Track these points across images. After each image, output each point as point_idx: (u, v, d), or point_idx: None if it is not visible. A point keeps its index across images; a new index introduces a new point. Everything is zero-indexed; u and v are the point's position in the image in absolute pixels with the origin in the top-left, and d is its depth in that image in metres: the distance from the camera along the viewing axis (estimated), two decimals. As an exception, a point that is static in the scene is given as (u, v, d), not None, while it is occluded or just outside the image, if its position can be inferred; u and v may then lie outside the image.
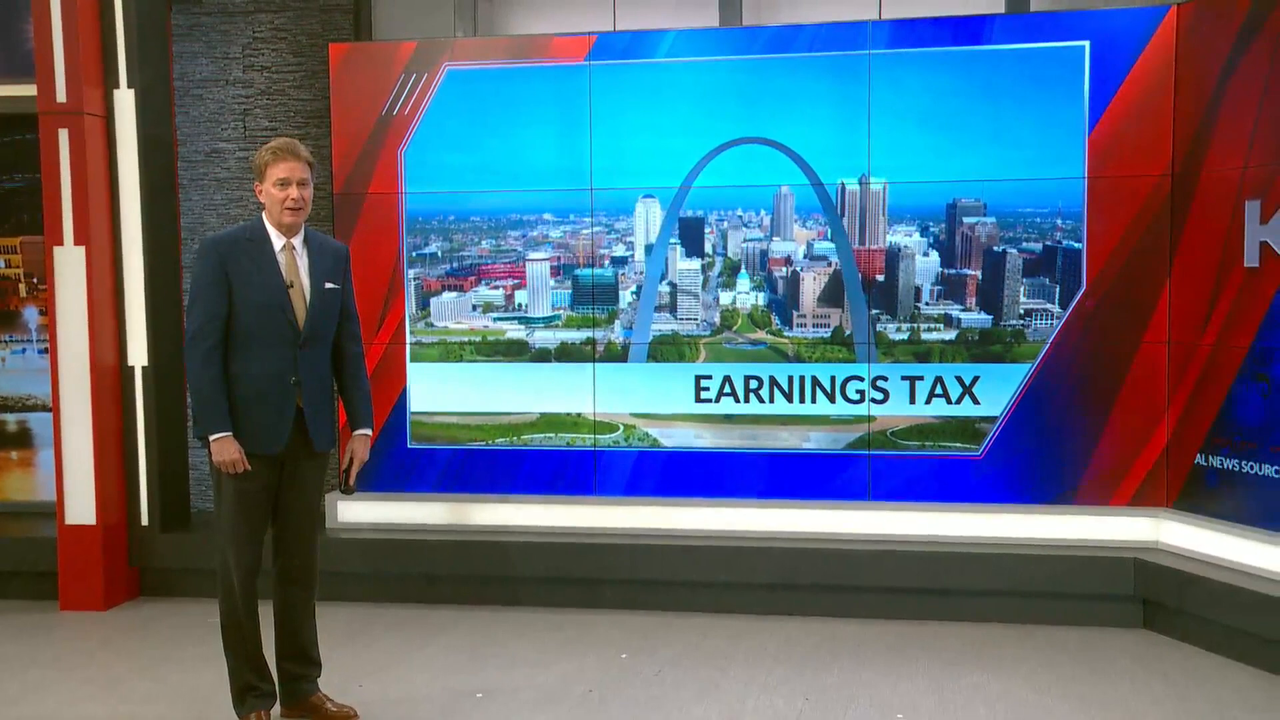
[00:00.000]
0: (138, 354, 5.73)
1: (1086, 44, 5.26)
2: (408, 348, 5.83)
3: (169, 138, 5.99)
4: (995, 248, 5.42)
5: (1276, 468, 4.78)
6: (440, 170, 5.76)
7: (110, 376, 5.68)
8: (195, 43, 6.24)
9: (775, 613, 5.42)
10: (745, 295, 5.66)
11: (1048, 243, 5.36)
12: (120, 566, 5.76)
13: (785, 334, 5.62)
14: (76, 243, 5.56)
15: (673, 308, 5.71)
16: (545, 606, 5.58)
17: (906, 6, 5.75)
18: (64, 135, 5.54)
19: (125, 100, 5.67)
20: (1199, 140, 5.08)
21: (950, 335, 5.47)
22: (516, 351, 5.80)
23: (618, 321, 5.74)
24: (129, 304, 5.72)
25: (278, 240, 3.89)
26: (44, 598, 5.74)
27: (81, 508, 5.62)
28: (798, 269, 5.61)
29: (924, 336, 5.48)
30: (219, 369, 3.81)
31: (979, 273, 5.45)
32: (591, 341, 5.74)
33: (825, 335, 5.58)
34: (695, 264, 5.69)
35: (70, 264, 5.57)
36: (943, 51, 5.37)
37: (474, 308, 5.84)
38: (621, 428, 5.75)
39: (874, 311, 5.52)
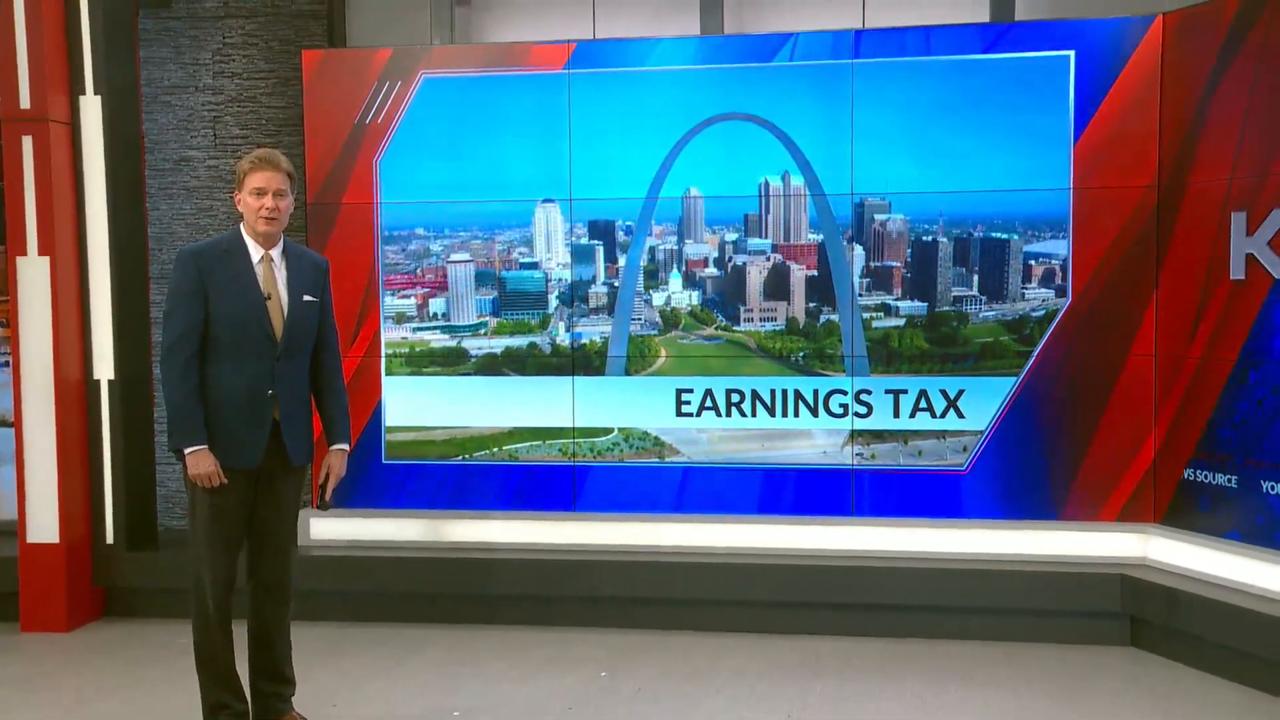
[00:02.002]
0: (103, 367, 5.81)
1: (1071, 54, 5.42)
2: (383, 361, 5.95)
3: (136, 145, 6.08)
4: (978, 260, 5.57)
5: (1254, 480, 4.95)
6: (417, 180, 5.89)
7: (75, 390, 5.76)
8: (164, 48, 6.32)
9: (757, 630, 5.54)
10: (734, 308, 5.80)
11: (1032, 255, 5.51)
12: (84, 586, 5.82)
13: (770, 345, 5.75)
14: (41, 253, 5.64)
15: (650, 318, 5.83)
16: (524, 624, 5.68)
17: (890, 16, 5.90)
18: (28, 142, 5.61)
19: (91, 107, 5.75)
20: (1185, 151, 5.24)
21: (929, 345, 5.61)
22: (493, 364, 5.92)
23: (599, 334, 5.86)
24: (95, 316, 5.80)
25: (255, 251, 4.01)
26: (4, 619, 5.79)
27: (44, 526, 5.68)
28: (790, 286, 5.74)
29: (906, 347, 5.64)
30: (195, 381, 3.92)
31: (960, 285, 5.60)
32: (571, 354, 5.86)
33: (814, 348, 5.71)
34: (676, 275, 5.82)
35: (34, 275, 5.64)
36: (927, 61, 5.53)
37: (450, 319, 5.95)
38: (595, 441, 5.88)
39: (856, 325, 5.66)
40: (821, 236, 5.69)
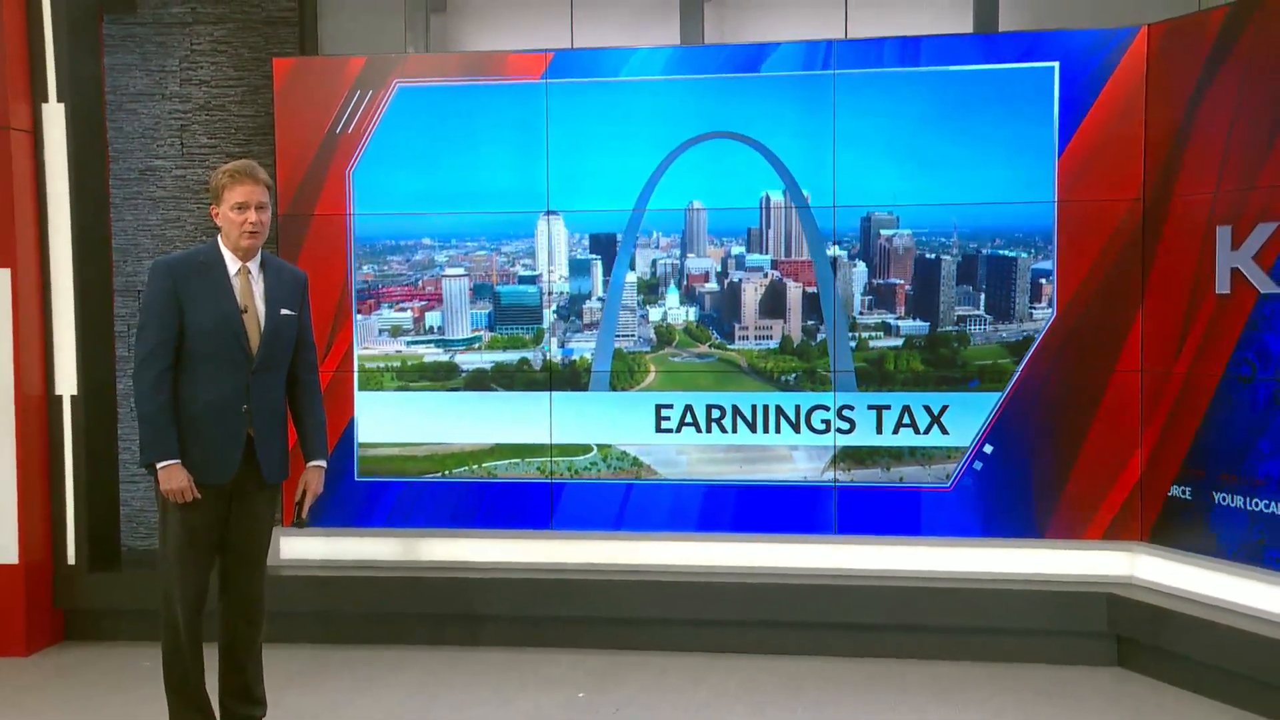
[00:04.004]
0: (66, 382, 5.87)
1: (1056, 65, 5.57)
2: (355, 375, 6.04)
3: (101, 154, 6.16)
4: (961, 273, 5.71)
5: (1241, 497, 5.10)
6: (391, 191, 5.99)
7: (36, 405, 5.81)
8: (129, 54, 6.39)
9: (737, 651, 5.65)
10: (730, 325, 5.93)
11: (1016, 268, 5.65)
12: (44, 608, 5.86)
13: (762, 365, 5.87)
14: (1, 265, 5.68)
15: (645, 334, 5.95)
16: (501, 645, 5.78)
17: (871, 26, 6.05)
18: (-11, 151, 5.69)
19: (54, 115, 5.82)
20: (1170, 164, 5.40)
21: (918, 364, 5.75)
22: (481, 380, 6.02)
23: (590, 351, 5.97)
24: (57, 329, 5.86)
25: (233, 264, 4.11)
26: (-40, 642, 5.83)
27: (3, 545, 5.71)
28: (786, 303, 5.85)
29: (890, 365, 5.77)
30: (169, 395, 4.02)
31: (942, 299, 5.74)
32: (548, 370, 5.97)
33: (806, 368, 5.83)
34: (673, 290, 5.95)
35: (-5, 287, 5.71)
36: (910, 73, 5.68)
37: (432, 331, 6.06)
38: (574, 458, 5.98)
39: (841, 340, 5.78)
40: (808, 250, 5.82)
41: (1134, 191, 5.51)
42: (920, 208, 5.71)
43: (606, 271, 5.97)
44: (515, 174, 5.94)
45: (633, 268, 5.94)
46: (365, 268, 6.04)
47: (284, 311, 4.18)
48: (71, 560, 5.90)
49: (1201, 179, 5.25)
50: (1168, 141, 5.41)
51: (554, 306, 6.00)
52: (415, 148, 5.97)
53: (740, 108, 5.80)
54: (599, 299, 5.97)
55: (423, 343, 6.06)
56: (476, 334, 6.04)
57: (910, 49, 5.70)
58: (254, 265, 4.16)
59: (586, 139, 5.89)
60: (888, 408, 5.77)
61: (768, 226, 5.86)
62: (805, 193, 5.77)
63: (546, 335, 5.99)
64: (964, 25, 6.00)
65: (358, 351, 6.04)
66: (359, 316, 6.05)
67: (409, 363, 6.04)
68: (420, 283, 6.05)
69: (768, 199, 5.82)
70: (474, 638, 5.81)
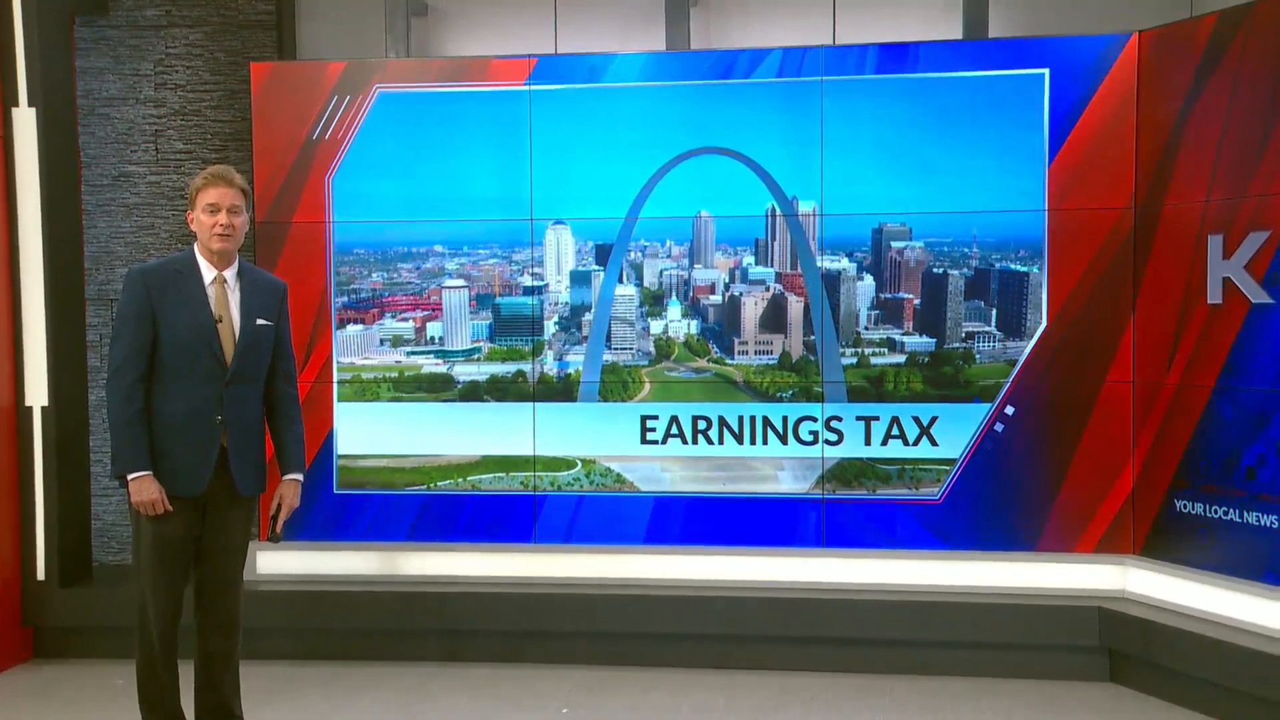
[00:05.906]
0: (36, 393, 5.86)
1: (1046, 72, 5.62)
2: (335, 386, 6.05)
3: (73, 160, 6.15)
4: (949, 282, 5.76)
5: (1233, 510, 5.14)
6: (371, 199, 6.01)
7: (5, 417, 5.80)
8: (102, 58, 6.39)
9: (723, 666, 5.67)
10: (729, 340, 5.96)
11: (1007, 278, 5.70)
12: (11, 626, 5.84)
13: (758, 381, 5.90)
14: (-30, 273, 5.70)
15: (643, 347, 5.98)
16: (483, 661, 5.78)
17: (861, 33, 6.09)
18: (-43, 157, 5.69)
19: (25, 119, 5.81)
20: (1161, 172, 5.44)
21: (911, 377, 5.79)
22: (470, 392, 6.04)
23: (580, 362, 6.01)
24: (28, 339, 5.85)
25: (208, 272, 4.13)
26: (-73, 661, 5.81)
27: (-30, 562, 5.72)
28: (788, 318, 5.89)
29: (884, 382, 5.81)
30: (141, 405, 4.04)
31: (937, 309, 5.78)
32: (545, 380, 6.00)
33: (803, 384, 5.86)
34: (674, 303, 5.99)
35: (-37, 296, 5.70)
36: (899, 79, 5.72)
37: (431, 340, 6.09)
38: (558, 473, 6.00)
39: (829, 350, 5.82)
40: (799, 260, 5.85)
41: (1125, 200, 5.56)
42: (909, 215, 5.75)
43: (598, 283, 6.00)
44: (499, 181, 5.96)
45: (630, 278, 5.98)
46: (374, 275, 6.05)
47: (260, 321, 4.20)
48: (41, 576, 5.88)
49: (1193, 187, 5.30)
50: (1159, 149, 5.45)
51: (556, 318, 6.03)
52: (396, 154, 5.99)
53: (726, 114, 5.83)
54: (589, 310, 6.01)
55: (422, 353, 6.08)
56: (476, 345, 6.06)
57: (898, 55, 5.73)
58: (230, 274, 4.18)
59: (572, 145, 5.92)
60: (876, 419, 5.80)
61: (773, 238, 5.89)
62: (792, 200, 5.81)
63: (545, 347, 6.01)
64: (953, 31, 6.04)
65: (337, 361, 6.05)
66: (349, 327, 6.06)
67: (406, 373, 6.06)
68: (425, 292, 6.07)
69: (773, 209, 5.85)
70: (455, 653, 5.82)
